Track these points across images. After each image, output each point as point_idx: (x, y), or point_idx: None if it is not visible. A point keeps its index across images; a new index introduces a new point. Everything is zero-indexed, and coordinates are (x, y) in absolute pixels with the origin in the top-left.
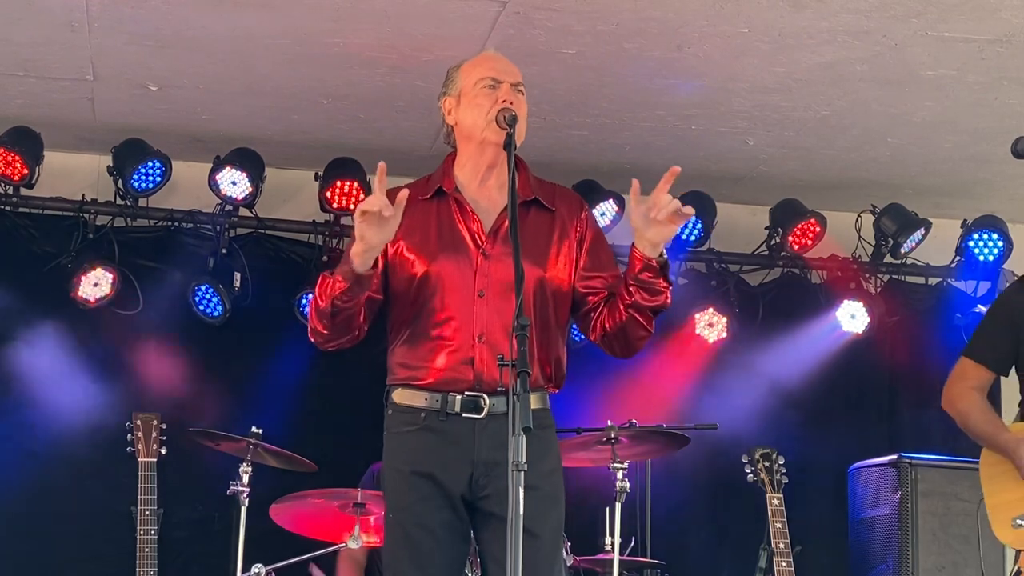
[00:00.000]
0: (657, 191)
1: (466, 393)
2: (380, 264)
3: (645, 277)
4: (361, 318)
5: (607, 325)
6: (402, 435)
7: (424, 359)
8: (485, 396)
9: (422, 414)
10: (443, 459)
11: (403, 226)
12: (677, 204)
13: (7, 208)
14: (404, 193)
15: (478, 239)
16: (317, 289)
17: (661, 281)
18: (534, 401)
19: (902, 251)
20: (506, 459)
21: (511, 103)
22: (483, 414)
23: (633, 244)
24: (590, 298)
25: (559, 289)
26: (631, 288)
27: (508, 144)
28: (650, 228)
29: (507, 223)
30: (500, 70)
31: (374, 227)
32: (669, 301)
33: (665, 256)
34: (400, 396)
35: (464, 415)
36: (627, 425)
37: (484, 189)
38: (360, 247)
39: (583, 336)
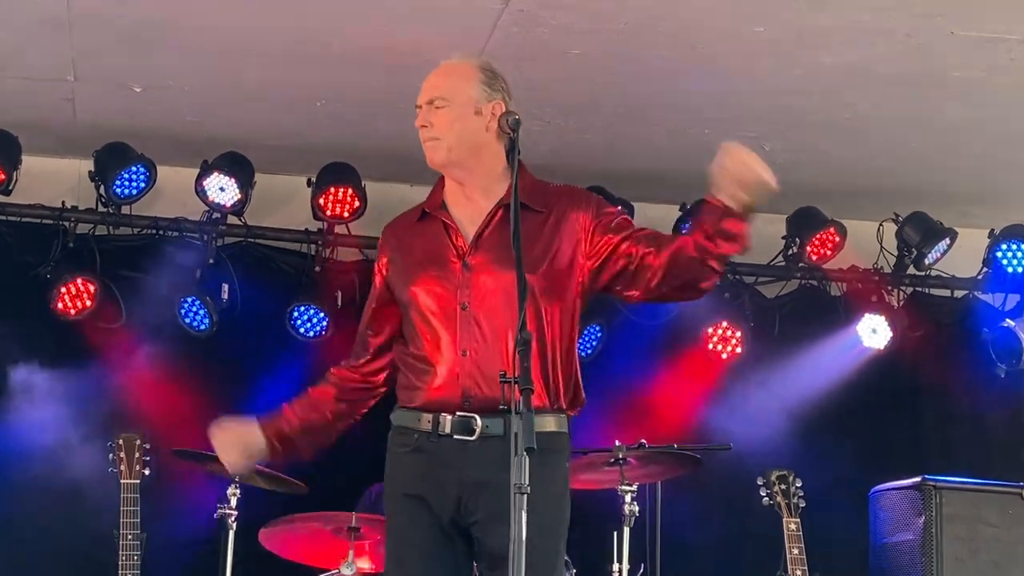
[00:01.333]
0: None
1: (457, 414)
2: (381, 304)
3: (726, 226)
4: (341, 422)
5: (671, 280)
6: (397, 456)
7: (416, 380)
8: (477, 417)
9: (415, 435)
10: (433, 481)
11: (394, 252)
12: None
13: None
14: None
15: (460, 251)
16: None
17: (738, 223)
18: (549, 423)
19: (926, 262)
20: (497, 480)
21: (426, 125)
22: (475, 436)
23: (706, 197)
24: (629, 266)
25: (561, 298)
26: (712, 238)
27: (512, 148)
28: (729, 186)
29: (487, 230)
30: (420, 93)
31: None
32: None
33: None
34: (398, 418)
35: (455, 436)
36: (636, 445)
37: (469, 202)
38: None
39: (628, 297)
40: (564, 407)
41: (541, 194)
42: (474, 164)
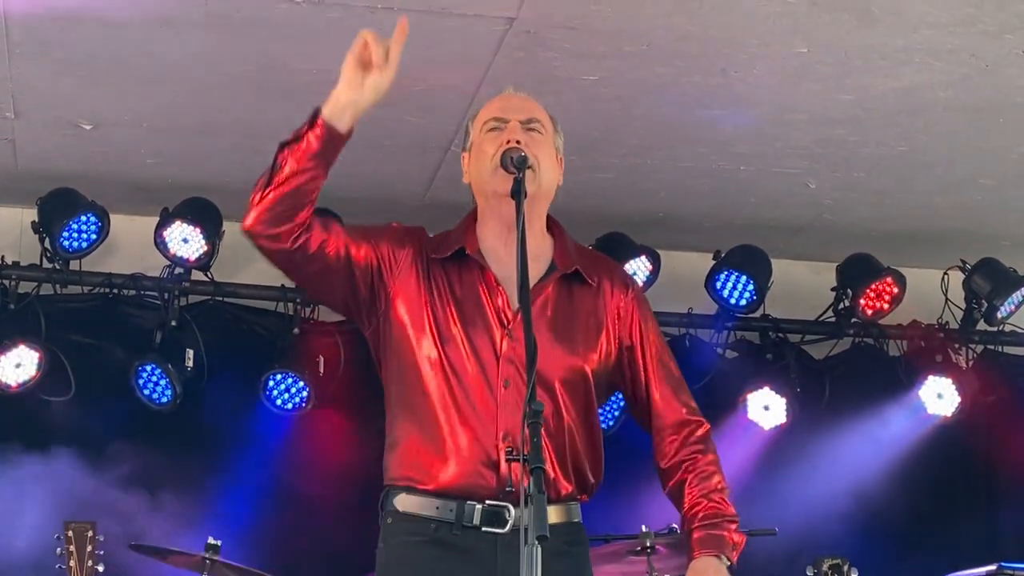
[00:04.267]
0: None
1: (487, 503)
2: (373, 264)
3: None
4: (305, 213)
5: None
6: (406, 547)
7: (435, 460)
8: (510, 507)
9: (432, 525)
10: None
11: (411, 285)
12: None
13: None
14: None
15: (504, 317)
16: (276, 154)
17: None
18: (562, 514)
19: (999, 316)
20: None
21: (518, 142)
22: (507, 528)
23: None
24: (634, 391)
25: (599, 383)
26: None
27: (517, 191)
28: None
29: (540, 297)
30: (507, 107)
31: (366, 75)
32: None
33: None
34: (404, 503)
35: (484, 529)
36: (666, 531)
37: (510, 256)
38: (346, 92)
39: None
40: (580, 495)
41: (590, 264)
42: (541, 212)
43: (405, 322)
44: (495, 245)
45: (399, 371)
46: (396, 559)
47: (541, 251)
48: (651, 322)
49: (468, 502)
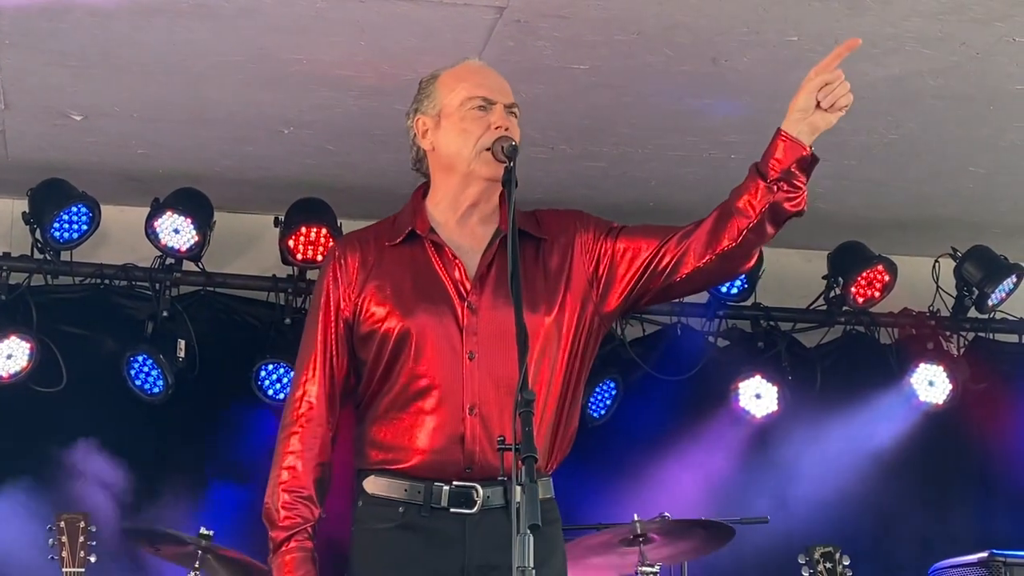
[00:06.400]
0: (834, 64)
1: (455, 483)
2: (341, 333)
3: (796, 171)
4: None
5: (719, 248)
6: (376, 533)
7: (402, 438)
8: (478, 487)
9: (400, 508)
10: (428, 566)
11: (371, 278)
12: (851, 98)
13: None
14: None
15: (462, 288)
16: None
17: (804, 178)
18: (546, 489)
19: (990, 303)
20: (505, 562)
21: (506, 129)
22: (475, 508)
23: (783, 130)
24: (655, 259)
25: (570, 338)
26: (778, 185)
27: (509, 179)
28: (815, 111)
29: (495, 266)
30: (492, 88)
31: None
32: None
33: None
34: (373, 485)
35: (452, 510)
36: (658, 519)
37: (465, 228)
38: None
39: (664, 291)
40: (547, 467)
41: (532, 218)
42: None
43: (368, 309)
44: (447, 219)
45: (365, 357)
46: (365, 545)
47: (491, 219)
48: (610, 223)
49: (436, 483)
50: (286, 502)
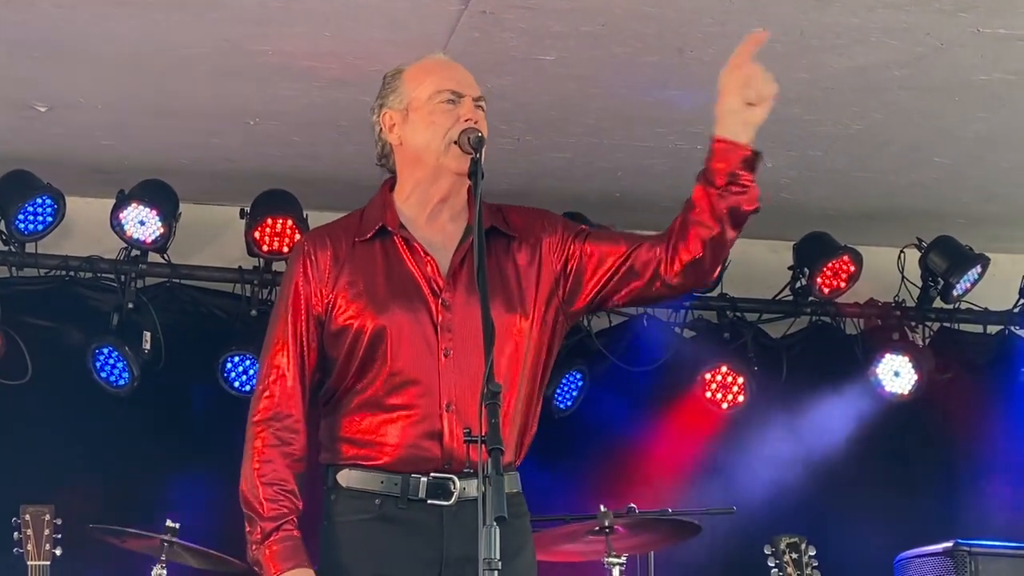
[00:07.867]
0: (746, 60)
1: (432, 475)
2: (312, 329)
3: (741, 172)
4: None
5: (685, 259)
6: (351, 525)
7: (378, 433)
8: (455, 478)
9: (377, 500)
10: (405, 557)
11: (342, 274)
12: (774, 86)
13: None
14: None
15: (435, 285)
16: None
17: (751, 176)
18: (508, 484)
19: (955, 293)
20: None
21: (475, 122)
22: (452, 500)
23: (718, 136)
24: (625, 263)
25: (539, 336)
26: (728, 189)
27: (475, 171)
28: (744, 109)
29: (467, 263)
30: (460, 81)
31: None
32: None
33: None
34: (348, 478)
35: (430, 501)
36: (624, 511)
37: (435, 224)
38: None
39: (631, 296)
40: (516, 461)
41: (500, 214)
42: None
43: (340, 307)
44: (416, 215)
45: (336, 355)
46: (341, 537)
47: (461, 217)
48: (578, 226)
49: (413, 475)
50: (269, 494)
